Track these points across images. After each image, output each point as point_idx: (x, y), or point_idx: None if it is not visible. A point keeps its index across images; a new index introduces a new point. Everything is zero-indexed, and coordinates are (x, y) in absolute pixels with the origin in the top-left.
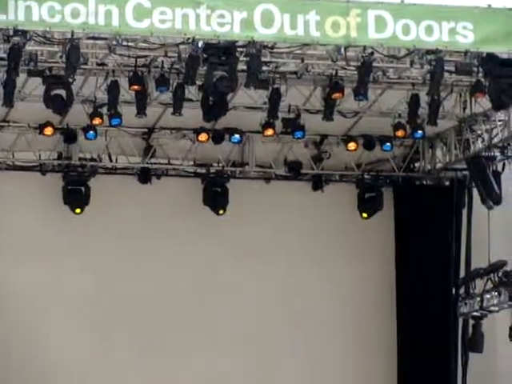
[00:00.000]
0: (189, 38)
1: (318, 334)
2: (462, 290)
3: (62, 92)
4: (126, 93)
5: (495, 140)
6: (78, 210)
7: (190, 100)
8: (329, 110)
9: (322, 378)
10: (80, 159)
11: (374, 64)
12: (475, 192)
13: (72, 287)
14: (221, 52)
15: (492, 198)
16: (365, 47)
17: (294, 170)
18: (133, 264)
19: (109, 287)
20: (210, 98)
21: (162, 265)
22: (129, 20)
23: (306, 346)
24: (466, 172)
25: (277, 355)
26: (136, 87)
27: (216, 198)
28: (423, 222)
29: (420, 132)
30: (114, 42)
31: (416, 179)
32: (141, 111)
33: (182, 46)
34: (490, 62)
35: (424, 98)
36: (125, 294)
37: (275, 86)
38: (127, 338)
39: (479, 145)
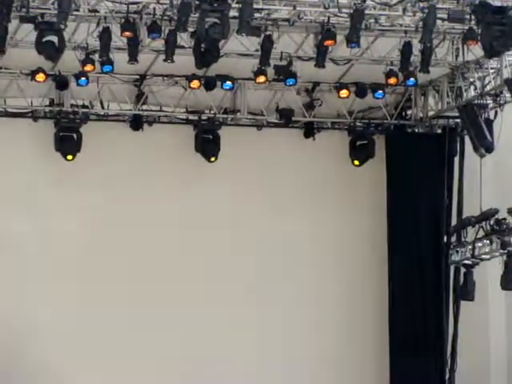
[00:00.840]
0: None
1: (309, 283)
2: (453, 238)
3: (54, 38)
4: (118, 39)
5: (487, 88)
6: (69, 157)
7: (182, 47)
8: (321, 57)
9: (316, 329)
10: (72, 106)
11: (367, 11)
12: (467, 140)
13: (62, 234)
14: None
15: (484, 145)
16: None
17: (285, 118)
18: (124, 210)
19: (100, 235)
20: (202, 45)
21: (153, 211)
22: None
23: (298, 293)
24: (458, 120)
25: (271, 305)
26: (128, 34)
27: (207, 145)
28: (415, 169)
29: (412, 79)
30: None
31: (408, 127)
32: (133, 58)
33: None
34: (482, 9)
35: (416, 46)
36: (116, 242)
37: (267, 32)
38: (117, 286)
39: (471, 92)
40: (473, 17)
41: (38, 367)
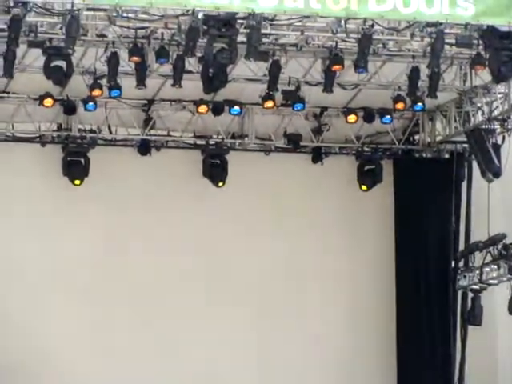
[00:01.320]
0: (189, 10)
1: (317, 308)
2: (461, 263)
3: (62, 63)
4: (126, 64)
5: (495, 113)
6: (77, 182)
7: (190, 72)
8: (329, 82)
9: (322, 344)
10: (79, 131)
11: (375, 36)
12: (475, 165)
13: (70, 259)
14: (221, 24)
15: (492, 170)
16: (365, 19)
17: (293, 142)
18: (131, 236)
19: (107, 259)
20: (210, 70)
21: (161, 237)
22: None
23: (305, 317)
24: (466, 145)
25: (276, 319)
26: (136, 59)
27: (215, 169)
28: (423, 194)
29: (420, 104)
30: (114, 14)
31: (416, 152)
32: (140, 83)
33: (182, 18)
34: (490, 34)
35: (424, 71)
36: (124, 266)
37: (275, 57)
38: (127, 308)
39: (479, 117)
40: (481, 42)
41: (43, 365)
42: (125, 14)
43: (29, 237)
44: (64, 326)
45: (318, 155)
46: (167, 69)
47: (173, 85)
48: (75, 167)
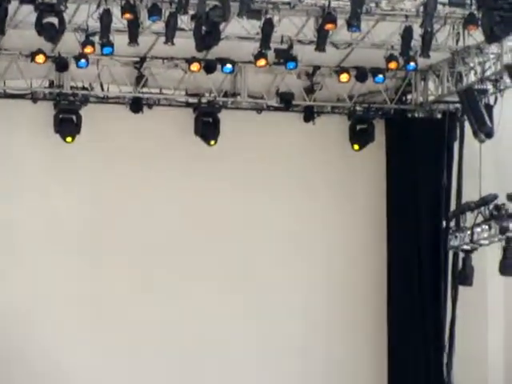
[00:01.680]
0: None
1: (305, 266)
2: (452, 224)
3: (54, 20)
4: (119, 21)
5: (488, 73)
6: (68, 139)
7: (183, 29)
8: (321, 40)
9: (309, 300)
10: (71, 88)
11: None
12: (467, 125)
13: (60, 216)
14: None
15: (484, 131)
16: None
17: (285, 101)
18: (122, 193)
19: (97, 216)
20: (203, 28)
21: (152, 194)
22: None
23: (293, 276)
24: (458, 105)
25: (264, 279)
26: (128, 16)
27: (207, 128)
28: (414, 154)
29: (412, 64)
30: None
31: (408, 111)
32: (133, 40)
33: None
34: None
35: (417, 30)
36: (115, 224)
37: (268, 16)
38: (117, 264)
39: (472, 77)
40: (474, 1)
41: (39, 354)
42: None
43: (19, 194)
44: (53, 284)
45: (310, 114)
46: (160, 26)
47: (165, 42)
48: (67, 124)
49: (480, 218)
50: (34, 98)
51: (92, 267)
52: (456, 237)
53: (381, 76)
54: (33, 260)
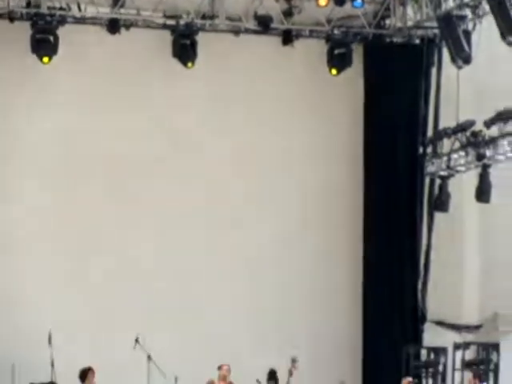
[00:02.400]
0: None
1: (282, 186)
2: (429, 149)
3: None
4: None
5: None
6: (45, 60)
7: None
8: None
9: (290, 242)
10: (49, 8)
11: None
12: (445, 51)
13: (36, 137)
14: None
15: (462, 57)
16: None
17: (263, 24)
18: (98, 114)
19: (75, 138)
20: None
21: (129, 117)
22: None
23: (272, 194)
24: (437, 31)
25: (245, 206)
26: None
27: (185, 50)
28: (392, 79)
29: None
30: None
31: (386, 36)
32: None
33: None
34: None
35: None
36: (92, 147)
37: None
38: (99, 189)
39: (450, 3)
40: None
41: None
42: None
43: None
44: (32, 211)
45: (288, 38)
46: None
47: None
48: (44, 44)
49: (457, 145)
50: (10, 17)
51: (72, 190)
52: (433, 163)
53: (359, 0)
54: (14, 182)
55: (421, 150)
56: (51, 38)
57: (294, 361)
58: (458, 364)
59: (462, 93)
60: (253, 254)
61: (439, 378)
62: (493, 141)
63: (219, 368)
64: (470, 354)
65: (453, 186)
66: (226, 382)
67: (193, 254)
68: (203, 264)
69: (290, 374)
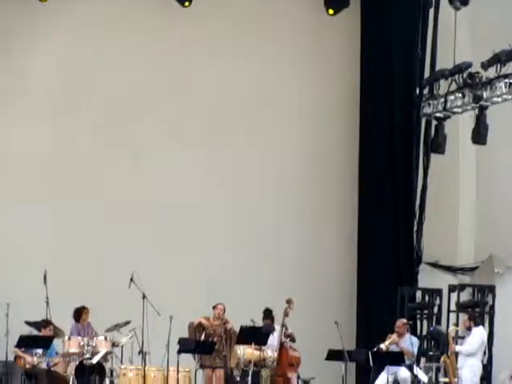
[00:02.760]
0: None
1: (281, 137)
2: (425, 91)
3: None
4: None
5: None
6: None
7: None
8: None
9: (282, 175)
10: None
11: None
12: None
13: (35, 73)
14: None
15: None
16: None
17: None
18: (97, 50)
19: (74, 73)
20: None
21: (125, 53)
22: None
23: (267, 146)
24: None
25: (240, 143)
26: None
27: None
28: (390, 20)
29: None
30: None
31: None
32: None
33: None
34: None
35: None
36: (91, 83)
37: None
38: (92, 117)
39: None
40: None
41: None
42: None
43: None
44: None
45: None
46: None
47: None
48: None
49: (454, 86)
50: None
51: (67, 115)
52: (429, 104)
53: None
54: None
55: (417, 91)
56: None
57: (289, 302)
58: (453, 306)
59: (459, 34)
60: (251, 193)
61: (434, 319)
62: (490, 82)
63: (214, 307)
64: (465, 296)
65: (449, 127)
66: (221, 321)
67: (190, 189)
68: (199, 200)
69: (286, 314)
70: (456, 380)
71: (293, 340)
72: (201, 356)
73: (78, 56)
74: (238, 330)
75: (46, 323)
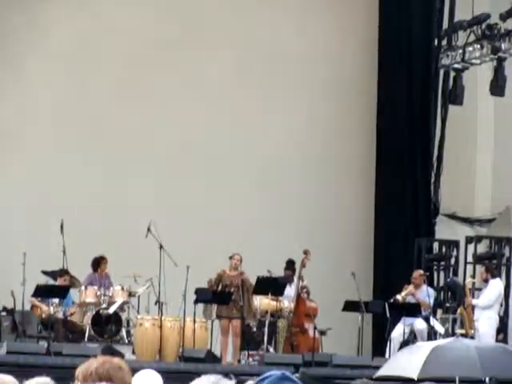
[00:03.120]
0: None
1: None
2: (444, 42)
3: None
4: None
5: None
6: None
7: None
8: None
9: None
10: None
11: None
12: None
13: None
14: None
15: None
16: None
17: None
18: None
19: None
20: None
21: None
22: None
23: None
24: None
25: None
26: None
27: None
28: None
29: None
30: None
31: None
32: None
33: None
34: None
35: None
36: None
37: None
38: (104, 68)
39: None
40: None
41: None
42: None
43: None
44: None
45: None
46: None
47: None
48: None
49: (472, 38)
50: None
51: (89, 67)
52: (447, 56)
53: None
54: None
55: (436, 42)
56: None
57: (306, 253)
58: (470, 258)
59: None
60: (272, 146)
61: (451, 271)
62: (508, 34)
63: (231, 257)
64: (482, 248)
65: (467, 79)
66: (237, 272)
67: (211, 140)
68: (219, 151)
69: (303, 265)
70: (472, 332)
71: (307, 293)
72: (217, 306)
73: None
74: (254, 280)
75: (62, 272)
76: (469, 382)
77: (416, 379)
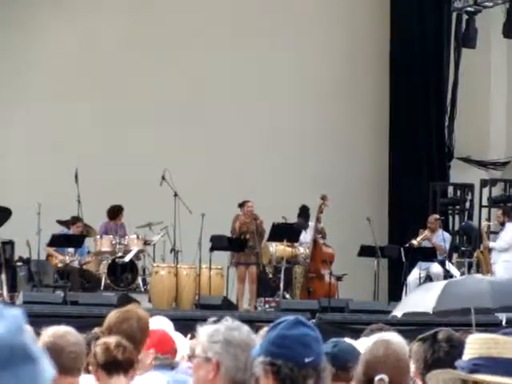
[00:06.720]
0: None
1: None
2: None
3: None
4: None
5: None
6: None
7: None
8: None
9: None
10: None
11: None
12: None
13: None
14: None
15: None
16: None
17: None
18: None
19: None
20: None
21: None
22: None
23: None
24: None
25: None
26: None
27: None
28: None
29: None
30: None
31: None
32: None
33: None
34: None
35: None
36: None
37: None
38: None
39: None
40: None
41: None
42: None
43: None
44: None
45: None
46: None
47: None
48: None
49: None
50: None
51: (92, 16)
52: None
53: None
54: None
55: None
56: None
57: (323, 198)
58: (485, 201)
59: None
60: (280, 85)
61: (466, 214)
62: None
63: (242, 205)
64: (496, 191)
65: (480, 21)
66: (252, 217)
67: (217, 88)
68: (226, 98)
69: (320, 211)
70: (489, 275)
71: (323, 236)
72: (234, 254)
73: None
74: (269, 227)
75: (74, 219)
76: (483, 313)
77: (431, 313)
